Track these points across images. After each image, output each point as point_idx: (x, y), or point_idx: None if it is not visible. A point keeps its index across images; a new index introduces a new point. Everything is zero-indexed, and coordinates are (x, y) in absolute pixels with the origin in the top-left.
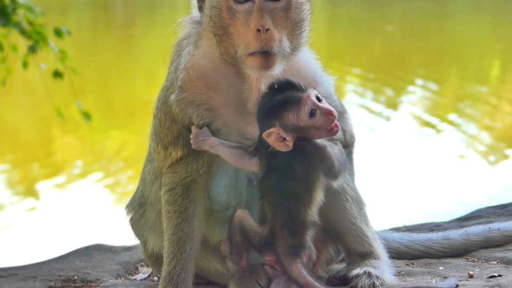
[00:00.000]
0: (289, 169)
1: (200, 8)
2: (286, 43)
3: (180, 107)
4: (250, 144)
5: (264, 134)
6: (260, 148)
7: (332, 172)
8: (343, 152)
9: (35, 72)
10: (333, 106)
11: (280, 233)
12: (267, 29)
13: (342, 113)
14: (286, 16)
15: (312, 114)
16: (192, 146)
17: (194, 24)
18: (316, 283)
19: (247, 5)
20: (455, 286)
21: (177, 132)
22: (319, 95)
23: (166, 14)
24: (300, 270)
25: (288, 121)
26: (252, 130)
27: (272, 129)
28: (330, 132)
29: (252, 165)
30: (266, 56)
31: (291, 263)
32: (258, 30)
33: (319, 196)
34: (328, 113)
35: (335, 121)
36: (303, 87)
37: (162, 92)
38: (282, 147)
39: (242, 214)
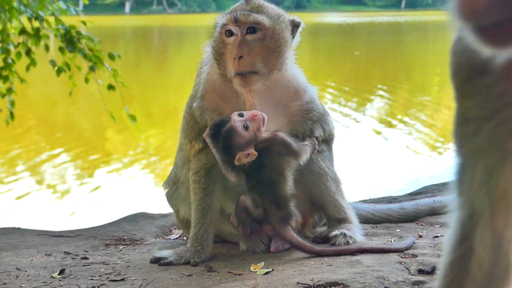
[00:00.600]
0: (261, 166)
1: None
2: (260, 66)
3: (199, 112)
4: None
5: (236, 162)
6: (235, 167)
7: (292, 152)
8: (315, 143)
9: (94, 86)
10: (316, 109)
11: (270, 210)
12: (240, 57)
13: (324, 114)
14: (263, 45)
15: (246, 127)
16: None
17: None
18: (304, 242)
19: (233, 38)
20: (412, 243)
21: (198, 130)
22: (239, 112)
23: (191, 41)
24: (291, 233)
25: (240, 143)
26: None
27: (237, 156)
28: (264, 124)
29: (232, 177)
30: (242, 77)
31: (284, 229)
32: (235, 58)
33: (289, 174)
34: (253, 117)
35: (261, 115)
36: (226, 118)
37: (189, 99)
38: (252, 158)
39: (244, 198)
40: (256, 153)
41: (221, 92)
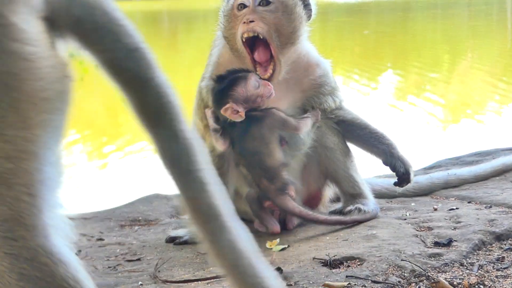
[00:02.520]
0: (247, 134)
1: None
2: (273, 34)
3: (205, 91)
4: (218, 128)
5: (222, 110)
6: (223, 130)
7: (290, 126)
8: (318, 113)
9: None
10: (328, 83)
11: (262, 183)
12: (251, 21)
13: (335, 88)
14: (275, 17)
15: (256, 86)
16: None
17: None
18: (307, 210)
19: (244, 11)
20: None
21: (204, 109)
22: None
23: (201, 24)
24: (292, 203)
25: (239, 95)
26: None
27: (227, 105)
28: (269, 97)
29: (220, 146)
30: (261, 66)
31: (283, 201)
32: (245, 22)
33: (275, 146)
34: (267, 84)
35: (272, 89)
36: (246, 70)
37: (201, 78)
38: (237, 118)
39: (248, 192)
40: (243, 116)
41: None
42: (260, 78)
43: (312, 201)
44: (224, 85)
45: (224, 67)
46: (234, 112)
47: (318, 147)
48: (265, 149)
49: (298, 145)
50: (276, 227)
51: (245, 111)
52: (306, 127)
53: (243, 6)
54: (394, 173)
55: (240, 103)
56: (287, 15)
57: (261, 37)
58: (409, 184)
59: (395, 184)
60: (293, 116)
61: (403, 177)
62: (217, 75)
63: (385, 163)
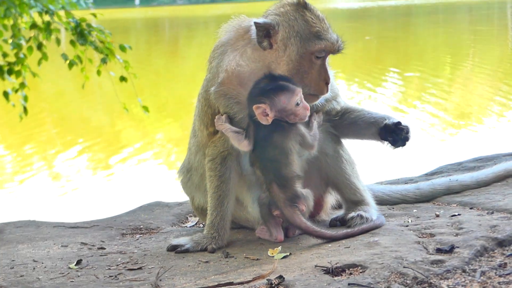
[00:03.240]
0: (270, 140)
1: (260, 43)
2: None
3: (215, 97)
4: (244, 128)
5: (254, 106)
6: (249, 129)
7: (306, 144)
8: (320, 117)
9: (106, 78)
10: (332, 90)
11: (272, 189)
12: (327, 83)
13: (337, 95)
14: None
15: (297, 104)
16: (216, 127)
17: (244, 39)
18: (314, 227)
19: (320, 60)
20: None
21: (212, 115)
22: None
23: (202, 31)
24: (299, 218)
25: (278, 102)
26: None
27: (262, 105)
28: (301, 120)
29: (244, 146)
30: (314, 98)
31: (291, 213)
32: (326, 83)
33: (294, 158)
34: (306, 108)
35: (307, 114)
36: (296, 84)
37: (205, 82)
38: (263, 121)
39: (261, 196)
40: (270, 122)
41: (245, 81)
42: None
43: (314, 208)
44: (271, 86)
45: (237, 76)
46: (263, 114)
47: (319, 154)
48: (283, 158)
49: (300, 152)
50: (280, 236)
51: (274, 118)
52: (316, 145)
53: (320, 56)
54: (389, 136)
55: (274, 110)
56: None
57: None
58: (406, 142)
59: (391, 143)
60: (308, 132)
61: (397, 131)
62: (268, 73)
63: (379, 128)
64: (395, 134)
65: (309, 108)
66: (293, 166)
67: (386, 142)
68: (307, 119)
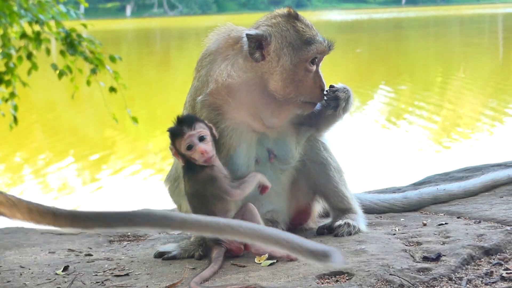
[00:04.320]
0: (186, 179)
1: (252, 54)
2: None
3: (200, 107)
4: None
5: (169, 147)
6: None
7: (221, 188)
8: (264, 181)
9: (96, 88)
10: None
11: None
12: (322, 89)
13: None
14: None
15: (189, 148)
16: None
17: (234, 48)
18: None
19: (314, 66)
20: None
21: None
22: (205, 136)
23: (193, 43)
24: (217, 259)
25: (175, 146)
26: (259, 127)
27: (171, 146)
28: (204, 162)
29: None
30: (311, 106)
31: (212, 249)
32: (321, 89)
33: (215, 200)
34: (201, 152)
35: (205, 158)
36: (192, 127)
37: (192, 89)
38: (179, 160)
39: None
40: (181, 161)
41: (235, 92)
42: (202, 140)
43: (301, 216)
44: (170, 129)
45: (233, 86)
46: (176, 155)
47: (307, 161)
48: (198, 200)
49: (287, 159)
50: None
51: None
52: (241, 195)
53: (315, 61)
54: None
55: (178, 152)
56: None
57: None
58: (338, 102)
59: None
60: (233, 179)
61: (329, 93)
62: (180, 116)
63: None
64: (326, 97)
65: (207, 152)
66: (215, 206)
67: (329, 111)
68: (207, 158)
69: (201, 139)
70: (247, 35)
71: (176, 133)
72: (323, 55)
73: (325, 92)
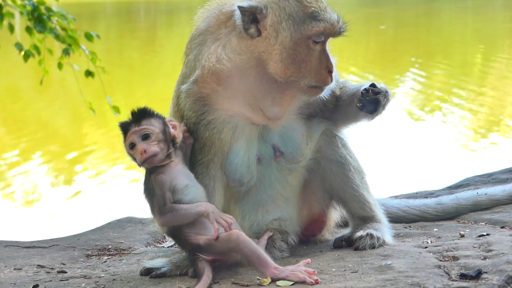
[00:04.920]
0: (146, 179)
1: (247, 30)
2: None
3: (184, 97)
4: None
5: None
6: None
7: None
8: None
9: (69, 72)
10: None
11: None
12: (330, 71)
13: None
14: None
15: (131, 146)
16: None
17: (226, 26)
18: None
19: (319, 46)
20: None
21: (181, 118)
22: (150, 134)
23: (184, 17)
24: (205, 271)
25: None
26: (258, 119)
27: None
28: (144, 163)
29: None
30: (319, 90)
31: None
32: (329, 71)
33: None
34: (140, 152)
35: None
36: (138, 123)
37: (180, 77)
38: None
39: None
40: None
41: (225, 78)
42: (146, 139)
43: (315, 225)
44: (120, 124)
45: (222, 73)
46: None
47: (321, 160)
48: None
49: (296, 157)
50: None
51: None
52: (165, 224)
53: (319, 41)
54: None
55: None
56: None
57: None
58: (377, 107)
59: (360, 108)
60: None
61: (365, 94)
62: (133, 110)
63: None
64: (363, 97)
65: (146, 151)
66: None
67: (361, 113)
68: (146, 158)
69: (145, 137)
70: (239, 7)
71: (122, 130)
72: (330, 36)
73: (363, 91)
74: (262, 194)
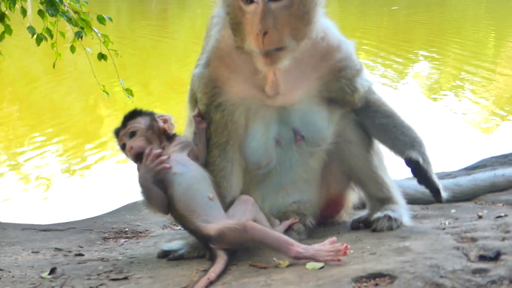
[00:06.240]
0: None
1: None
2: (288, 41)
3: (198, 81)
4: None
5: None
6: None
7: None
8: None
9: (82, 55)
10: (351, 66)
11: None
12: (265, 33)
13: (360, 70)
14: (290, 13)
15: (123, 147)
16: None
17: None
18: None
19: (252, 6)
20: None
21: (195, 101)
22: (136, 131)
23: (196, 1)
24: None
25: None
26: (263, 98)
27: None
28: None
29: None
30: (268, 55)
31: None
32: (258, 34)
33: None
34: (128, 150)
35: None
36: (124, 126)
37: (198, 61)
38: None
39: None
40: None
41: (231, 60)
42: (132, 136)
43: (333, 207)
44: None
45: (225, 53)
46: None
47: (340, 142)
48: None
49: (317, 141)
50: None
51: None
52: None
53: (250, 0)
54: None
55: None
56: (303, 6)
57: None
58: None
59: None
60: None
61: (420, 178)
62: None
63: (403, 157)
64: (414, 173)
65: (132, 148)
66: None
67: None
68: (137, 161)
69: (132, 135)
70: None
71: (115, 136)
72: None
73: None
74: (283, 177)
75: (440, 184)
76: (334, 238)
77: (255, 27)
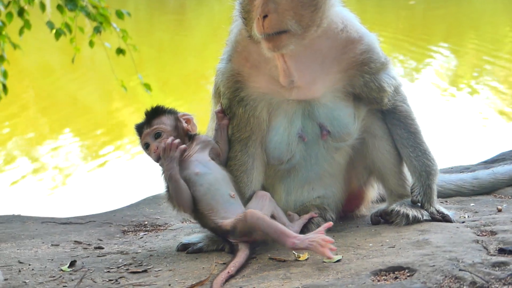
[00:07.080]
0: None
1: None
2: (291, 23)
3: (221, 75)
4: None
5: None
6: None
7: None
8: None
9: (100, 50)
10: (374, 60)
11: None
12: (265, 16)
13: (385, 64)
14: None
15: (146, 146)
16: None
17: None
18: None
19: None
20: None
21: (218, 95)
22: (162, 132)
23: None
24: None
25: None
26: (288, 93)
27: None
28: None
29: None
30: (270, 38)
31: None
32: (259, 18)
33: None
34: (153, 151)
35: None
36: (149, 124)
37: (222, 55)
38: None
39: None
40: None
41: (248, 56)
42: (157, 138)
43: (354, 201)
44: (136, 125)
45: (243, 47)
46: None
47: (365, 136)
48: None
49: (343, 136)
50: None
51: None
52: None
53: None
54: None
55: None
56: None
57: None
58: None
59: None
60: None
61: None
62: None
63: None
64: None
65: (157, 149)
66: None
67: None
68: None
69: (157, 136)
70: None
71: (137, 132)
72: None
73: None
74: (309, 172)
75: (446, 210)
76: (330, 223)
77: (255, 13)
